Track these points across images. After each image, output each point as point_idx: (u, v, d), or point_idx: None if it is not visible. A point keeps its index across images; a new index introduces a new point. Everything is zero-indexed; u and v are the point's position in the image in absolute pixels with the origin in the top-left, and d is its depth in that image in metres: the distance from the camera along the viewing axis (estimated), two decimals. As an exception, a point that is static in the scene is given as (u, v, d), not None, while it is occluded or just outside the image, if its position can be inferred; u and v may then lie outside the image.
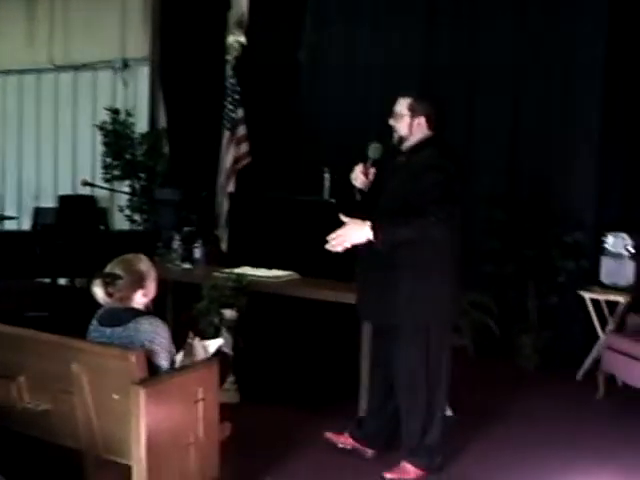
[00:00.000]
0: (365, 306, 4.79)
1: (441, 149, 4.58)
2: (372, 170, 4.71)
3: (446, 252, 4.50)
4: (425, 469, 4.68)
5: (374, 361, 5.03)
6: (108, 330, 3.91)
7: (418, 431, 4.67)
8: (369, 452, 4.98)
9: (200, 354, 4.11)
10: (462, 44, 7.66)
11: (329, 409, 5.82)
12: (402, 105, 4.65)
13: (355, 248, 4.46)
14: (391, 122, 4.70)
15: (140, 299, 3.99)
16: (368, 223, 4.34)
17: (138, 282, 3.99)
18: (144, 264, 4.05)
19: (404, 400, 4.71)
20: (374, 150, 4.69)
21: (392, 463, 4.74)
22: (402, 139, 4.66)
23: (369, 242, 4.35)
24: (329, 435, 5.11)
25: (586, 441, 5.40)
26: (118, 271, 3.96)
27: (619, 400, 6.23)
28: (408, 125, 4.62)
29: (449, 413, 5.75)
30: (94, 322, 4.02)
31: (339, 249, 4.40)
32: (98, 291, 3.94)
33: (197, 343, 4.15)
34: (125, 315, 3.92)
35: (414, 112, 4.60)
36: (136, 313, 3.94)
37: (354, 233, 4.36)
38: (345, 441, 5.06)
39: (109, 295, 3.93)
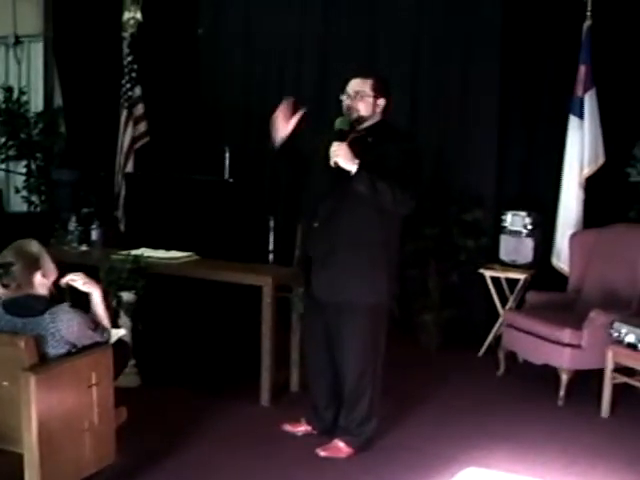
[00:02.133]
0: (316, 283, 4.64)
1: (403, 135, 4.67)
2: (300, 113, 4.59)
3: (398, 233, 4.61)
4: (356, 449, 4.75)
5: (315, 343, 4.90)
6: (19, 320, 3.76)
7: (363, 416, 4.74)
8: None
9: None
10: (361, 13, 7.64)
11: (230, 391, 5.76)
12: (365, 85, 4.57)
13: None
14: (347, 102, 4.59)
15: (40, 281, 3.85)
16: (357, 160, 4.30)
17: (33, 264, 3.85)
18: (34, 246, 3.92)
19: (354, 385, 4.71)
20: (342, 122, 4.50)
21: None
22: (361, 119, 4.58)
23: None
24: (287, 427, 5.07)
25: (486, 418, 5.46)
26: (9, 258, 3.83)
27: (519, 377, 6.31)
28: (372, 105, 4.58)
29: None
30: None
31: (333, 161, 4.34)
32: None
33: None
34: (37, 304, 3.79)
35: (377, 93, 4.58)
36: (48, 303, 3.81)
37: (345, 154, 4.30)
38: (305, 429, 5.05)
39: (4, 286, 3.79)
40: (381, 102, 4.60)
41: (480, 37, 7.08)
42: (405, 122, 7.38)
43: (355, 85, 4.59)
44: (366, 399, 4.70)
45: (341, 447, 4.73)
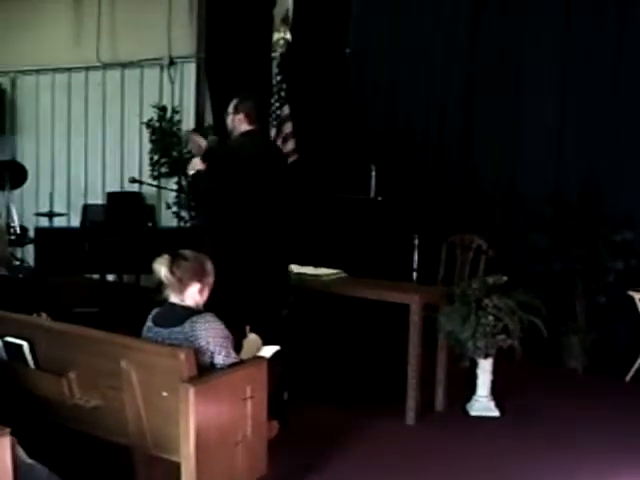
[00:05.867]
0: None
1: (234, 141, 5.30)
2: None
3: (240, 238, 5.11)
4: None
5: None
6: (165, 331, 3.93)
7: None
8: None
9: (257, 347, 4.21)
10: (509, 34, 7.55)
11: (375, 409, 5.80)
12: (230, 105, 5.32)
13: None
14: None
15: (194, 294, 3.99)
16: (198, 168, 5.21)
17: (200, 273, 4.01)
18: (209, 264, 4.09)
19: None
20: (210, 140, 5.49)
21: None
22: (230, 133, 5.34)
23: None
24: None
25: (634, 443, 5.33)
26: (186, 254, 4.01)
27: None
28: (231, 121, 5.31)
29: (496, 414, 5.72)
30: (149, 323, 4.05)
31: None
32: (162, 267, 3.95)
33: (254, 337, 4.23)
34: (180, 315, 3.93)
35: (236, 110, 5.29)
36: (191, 312, 3.95)
37: (192, 165, 5.28)
38: None
39: (171, 272, 3.93)
40: (240, 117, 5.26)
41: (630, 55, 6.92)
42: (555, 140, 7.30)
43: None
44: None
45: None
